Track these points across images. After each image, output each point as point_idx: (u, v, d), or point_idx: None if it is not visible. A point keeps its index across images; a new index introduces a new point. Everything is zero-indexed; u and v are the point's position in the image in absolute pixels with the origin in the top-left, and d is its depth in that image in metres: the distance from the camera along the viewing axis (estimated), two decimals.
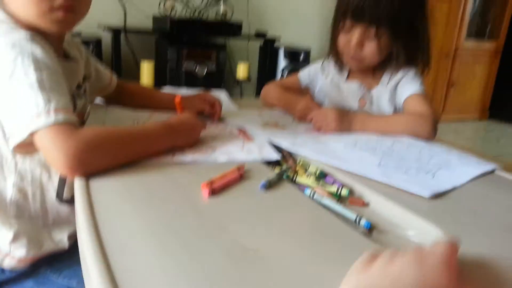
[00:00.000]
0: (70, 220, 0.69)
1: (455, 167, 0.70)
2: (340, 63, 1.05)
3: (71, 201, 0.67)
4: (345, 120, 0.88)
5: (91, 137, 0.55)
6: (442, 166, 0.70)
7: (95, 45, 2.48)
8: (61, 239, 0.69)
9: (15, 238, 0.66)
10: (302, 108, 0.95)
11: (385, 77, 1.00)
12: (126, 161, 0.59)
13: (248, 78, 2.95)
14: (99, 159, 0.56)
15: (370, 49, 0.94)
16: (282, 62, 3.03)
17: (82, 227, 0.45)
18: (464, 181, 0.65)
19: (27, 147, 0.57)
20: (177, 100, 0.84)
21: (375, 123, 0.90)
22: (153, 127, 0.65)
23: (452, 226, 0.51)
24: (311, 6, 3.38)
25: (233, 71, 3.07)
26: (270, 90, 1.13)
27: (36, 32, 0.61)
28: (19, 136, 0.54)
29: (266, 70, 3.03)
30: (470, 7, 3.53)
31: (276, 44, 3.02)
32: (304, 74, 1.15)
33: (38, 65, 0.57)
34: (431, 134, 0.87)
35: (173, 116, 0.73)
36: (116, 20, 2.74)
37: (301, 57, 3.05)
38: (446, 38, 3.54)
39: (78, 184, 0.54)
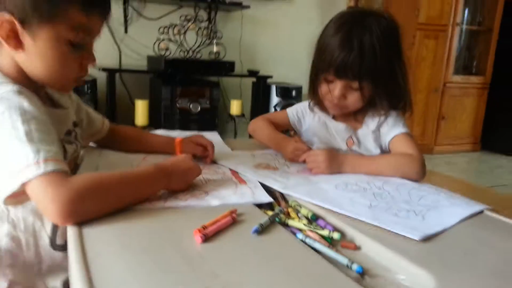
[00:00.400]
0: (64, 267, 0.69)
1: (444, 208, 0.72)
2: (322, 107, 1.06)
3: (64, 247, 0.67)
4: (336, 161, 0.90)
5: (82, 186, 0.56)
6: (431, 207, 0.71)
7: (90, 85, 2.52)
8: (55, 286, 0.69)
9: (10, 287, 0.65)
10: (293, 149, 0.97)
11: (367, 119, 1.02)
12: (118, 207, 0.60)
13: (242, 114, 3.00)
14: (91, 207, 0.56)
15: (353, 99, 0.96)
16: (274, 99, 3.08)
17: (75, 275, 0.45)
18: (453, 222, 0.66)
19: (18, 197, 0.57)
20: (178, 141, 0.85)
21: (365, 165, 0.91)
22: (146, 170, 0.66)
23: (442, 269, 0.51)
24: (300, 46, 3.48)
25: (226, 108, 3.12)
26: (259, 126, 1.14)
27: (23, 84, 0.63)
28: (10, 187, 0.55)
29: (259, 106, 3.08)
30: (456, 44, 3.65)
31: (268, 81, 3.09)
32: (293, 112, 1.17)
33: (26, 117, 0.58)
34: (420, 175, 0.89)
35: (168, 158, 0.73)
36: (111, 61, 2.80)
37: (293, 94, 3.11)
38: (434, 73, 3.64)
39: (70, 231, 0.55)
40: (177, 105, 2.70)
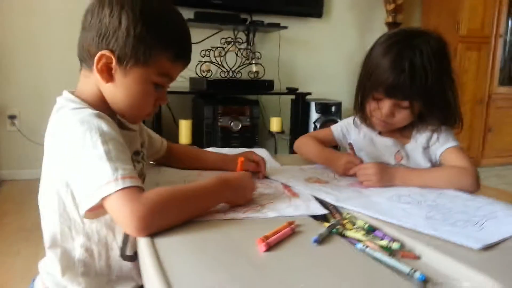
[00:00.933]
0: (131, 276, 0.74)
1: (503, 218, 0.71)
2: (368, 123, 1.07)
3: (133, 257, 0.72)
4: (387, 174, 0.90)
5: (155, 200, 0.60)
6: (489, 218, 0.71)
7: None
8: None
9: None
10: (345, 162, 0.98)
11: (415, 134, 1.02)
12: (187, 219, 0.64)
13: (282, 131, 3.03)
14: (164, 220, 0.61)
15: (401, 117, 0.97)
16: (314, 115, 3.10)
17: (153, 282, 0.49)
18: None
19: (95, 211, 0.63)
20: (241, 160, 0.90)
21: (417, 177, 0.91)
22: (211, 183, 0.70)
23: (507, 276, 0.51)
24: (337, 63, 3.50)
25: (266, 125, 3.16)
26: (306, 144, 1.16)
27: (101, 110, 0.70)
28: (91, 201, 0.60)
29: (298, 123, 3.10)
30: (500, 55, 3.55)
31: (307, 98, 3.12)
32: (337, 129, 1.18)
33: (104, 138, 0.64)
34: (475, 187, 0.88)
35: (224, 173, 0.77)
36: None
37: (333, 110, 3.12)
38: (478, 85, 3.54)
39: (143, 243, 0.59)
40: (219, 123, 2.78)
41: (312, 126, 3.11)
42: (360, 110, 1.05)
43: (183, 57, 0.75)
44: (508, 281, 0.50)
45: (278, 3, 3.21)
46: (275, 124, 3.00)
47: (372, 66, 0.97)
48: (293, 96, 3.13)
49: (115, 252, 0.72)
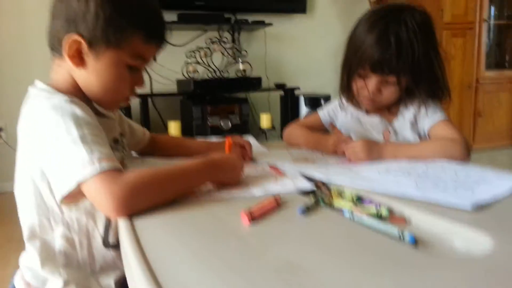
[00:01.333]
0: (116, 265, 0.71)
1: (494, 182, 0.69)
2: (355, 103, 1.05)
3: (116, 246, 0.70)
4: (375, 149, 0.89)
5: (134, 180, 0.58)
6: (480, 183, 0.69)
7: (124, 110, 2.62)
8: (109, 284, 0.70)
9: (65, 286, 0.67)
10: (334, 141, 0.96)
11: (402, 109, 1.01)
12: (168, 199, 0.61)
13: (272, 127, 3.01)
14: (144, 200, 0.58)
15: (388, 93, 0.96)
16: (304, 109, 3.09)
17: (134, 267, 0.45)
18: (506, 193, 0.63)
19: (73, 197, 0.60)
20: (229, 142, 0.87)
21: (406, 150, 0.89)
22: (195, 163, 0.67)
23: (499, 231, 0.49)
24: (324, 57, 3.50)
25: (256, 122, 3.14)
26: (294, 131, 1.15)
27: (73, 96, 0.68)
28: (67, 187, 0.58)
29: (289, 118, 3.08)
30: (485, 39, 3.56)
31: (296, 93, 3.10)
32: (324, 113, 1.17)
33: (78, 122, 0.62)
34: (465, 156, 0.86)
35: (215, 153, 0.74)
36: (143, 88, 2.91)
37: (322, 102, 3.11)
38: (465, 70, 3.55)
39: (123, 225, 0.57)
40: (208, 123, 2.75)
41: None
42: (347, 89, 1.03)
43: (156, 37, 0.73)
44: (501, 236, 0.48)
45: (261, 1, 3.20)
46: (265, 121, 2.98)
47: (357, 43, 0.95)
48: (282, 92, 3.12)
49: (97, 241, 0.70)
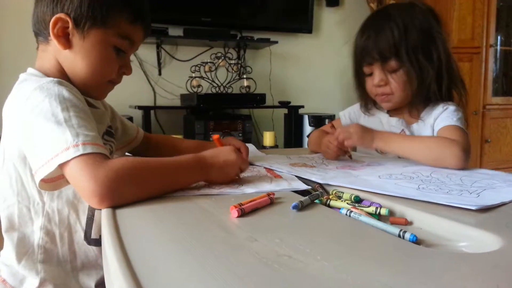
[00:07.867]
0: (98, 264, 0.66)
1: (501, 188, 0.65)
2: (374, 105, 1.08)
3: (98, 242, 0.65)
4: (368, 134, 0.89)
5: (121, 167, 0.54)
6: (486, 188, 0.65)
7: None
8: (89, 285, 0.66)
9: (41, 285, 0.63)
10: (325, 141, 0.96)
11: (424, 115, 1.00)
12: (155, 192, 0.57)
13: (276, 145, 2.97)
14: (128, 190, 0.54)
15: (395, 83, 0.96)
16: (307, 128, 3.06)
17: (108, 253, 0.42)
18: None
19: (54, 183, 0.56)
20: (216, 137, 0.82)
21: (398, 142, 0.88)
22: (185, 159, 0.63)
23: (507, 231, 0.45)
24: (329, 77, 3.49)
25: (259, 140, 3.11)
26: (311, 136, 1.17)
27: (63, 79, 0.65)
28: (47, 169, 0.54)
29: (292, 137, 3.05)
30: (492, 65, 3.55)
31: (300, 112, 3.08)
32: (345, 115, 1.18)
33: (65, 104, 0.59)
34: (461, 159, 0.80)
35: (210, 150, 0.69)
36: (146, 102, 2.90)
37: (326, 122, 3.07)
38: (472, 96, 3.51)
39: (104, 215, 0.53)
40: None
41: (306, 139, 3.06)
42: (363, 96, 1.06)
43: (142, 18, 0.72)
44: (509, 235, 0.44)
45: (267, 20, 3.22)
46: (268, 139, 2.94)
47: (353, 48, 1.02)
48: (285, 110, 3.09)
49: (79, 235, 0.65)
